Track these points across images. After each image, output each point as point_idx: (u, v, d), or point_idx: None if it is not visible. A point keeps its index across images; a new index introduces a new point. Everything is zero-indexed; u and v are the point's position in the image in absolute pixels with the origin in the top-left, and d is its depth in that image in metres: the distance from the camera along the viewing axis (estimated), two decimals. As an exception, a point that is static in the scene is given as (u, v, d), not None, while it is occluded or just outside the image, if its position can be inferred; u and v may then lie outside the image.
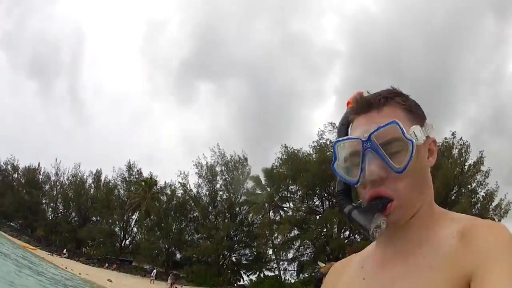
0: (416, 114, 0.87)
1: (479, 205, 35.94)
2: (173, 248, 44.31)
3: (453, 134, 38.00)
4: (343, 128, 0.96)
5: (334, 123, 40.46)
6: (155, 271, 40.15)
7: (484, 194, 36.08)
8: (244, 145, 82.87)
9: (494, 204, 35.60)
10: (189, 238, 43.94)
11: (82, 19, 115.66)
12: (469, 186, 36.51)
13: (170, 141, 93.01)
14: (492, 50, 77.05)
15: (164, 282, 38.05)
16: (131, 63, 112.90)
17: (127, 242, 49.27)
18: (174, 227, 44.00)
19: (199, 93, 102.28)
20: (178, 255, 45.06)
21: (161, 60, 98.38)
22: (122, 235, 49.00)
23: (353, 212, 0.83)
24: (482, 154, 36.73)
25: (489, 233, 0.79)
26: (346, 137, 0.87)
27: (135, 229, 48.22)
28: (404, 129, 0.80)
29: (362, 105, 0.87)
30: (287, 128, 77.87)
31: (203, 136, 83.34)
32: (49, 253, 43.16)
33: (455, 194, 36.61)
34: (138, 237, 47.81)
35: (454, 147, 37.47)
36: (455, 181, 35.82)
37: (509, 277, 0.70)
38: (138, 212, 45.87)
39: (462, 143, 37.67)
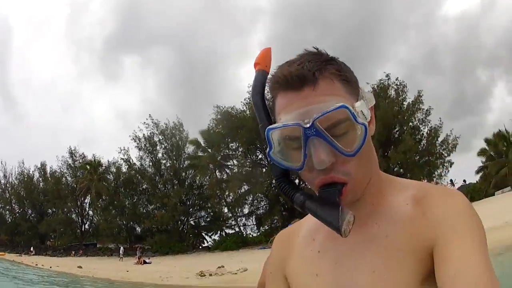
0: (352, 83, 0.77)
1: (424, 141, 36.89)
2: (131, 222, 44.57)
3: (387, 75, 38.32)
4: (258, 98, 0.83)
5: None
6: (122, 248, 40.42)
7: (428, 131, 36.91)
8: (178, 112, 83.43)
9: (440, 139, 36.62)
10: (144, 211, 44.16)
11: (9, 13, 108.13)
12: (411, 124, 37.18)
13: (106, 119, 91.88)
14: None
15: (132, 258, 38.46)
16: (57, 49, 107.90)
17: (86, 226, 49.29)
18: (127, 203, 44.02)
19: (125, 67, 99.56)
20: (138, 229, 45.39)
21: (85, 41, 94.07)
22: (80, 221, 48.88)
23: (308, 203, 0.73)
24: (420, 93, 37.37)
25: (448, 201, 0.76)
26: (282, 124, 0.73)
27: (90, 212, 48.04)
28: (354, 112, 0.70)
29: (292, 81, 0.73)
30: (217, 89, 78.24)
31: (136, 110, 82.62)
32: (18, 254, 43.03)
33: (397, 133, 37.45)
34: (95, 219, 47.79)
35: (390, 87, 37.85)
36: (395, 120, 36.40)
37: (472, 247, 0.69)
38: (89, 195, 45.39)
39: (398, 83, 38.17)
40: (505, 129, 42.43)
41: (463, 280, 0.66)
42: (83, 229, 49.02)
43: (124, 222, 44.41)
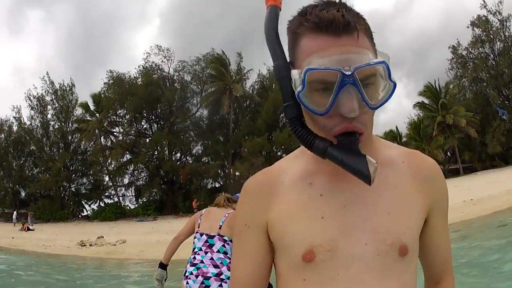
0: (374, 43, 0.78)
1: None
2: (17, 186, 43.66)
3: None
4: (273, 34, 0.82)
5: (160, 46, 41.04)
6: (15, 213, 39.25)
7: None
8: (73, 73, 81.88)
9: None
10: (30, 174, 43.32)
11: None
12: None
13: (3, 75, 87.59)
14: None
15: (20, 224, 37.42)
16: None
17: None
18: (14, 164, 43.27)
19: (28, 21, 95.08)
20: (23, 193, 44.47)
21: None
22: (-30, 183, 47.43)
23: (331, 150, 0.73)
24: None
25: (439, 172, 0.89)
26: (323, 67, 0.70)
27: (-20, 174, 46.74)
28: (390, 69, 0.73)
29: (334, 25, 0.71)
30: (113, 53, 76.63)
31: (34, 67, 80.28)
32: None
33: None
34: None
35: None
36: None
37: (447, 222, 0.91)
38: (-20, 154, 44.55)
39: None
40: (396, 129, 42.99)
41: (442, 255, 0.92)
42: (-28, 193, 47.57)
43: (11, 185, 43.56)
